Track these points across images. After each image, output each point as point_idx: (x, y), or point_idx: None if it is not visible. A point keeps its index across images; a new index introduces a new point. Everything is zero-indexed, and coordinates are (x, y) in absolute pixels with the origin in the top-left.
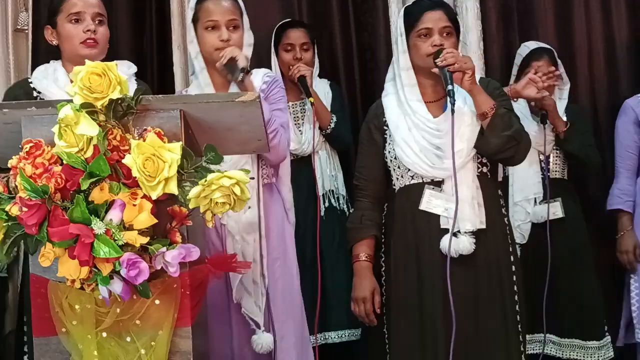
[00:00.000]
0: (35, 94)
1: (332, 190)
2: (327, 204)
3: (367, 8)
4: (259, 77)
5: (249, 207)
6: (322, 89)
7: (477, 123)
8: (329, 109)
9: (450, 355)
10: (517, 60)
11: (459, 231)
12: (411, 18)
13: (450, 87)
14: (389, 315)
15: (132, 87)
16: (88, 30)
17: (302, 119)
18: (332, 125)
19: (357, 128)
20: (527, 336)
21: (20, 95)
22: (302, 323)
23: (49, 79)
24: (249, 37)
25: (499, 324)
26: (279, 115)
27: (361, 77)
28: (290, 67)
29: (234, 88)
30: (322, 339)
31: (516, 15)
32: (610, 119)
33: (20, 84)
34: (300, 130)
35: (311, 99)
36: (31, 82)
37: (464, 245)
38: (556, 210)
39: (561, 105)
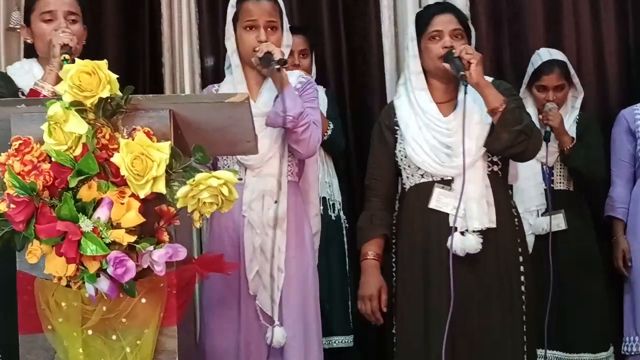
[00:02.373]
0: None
1: (325, 197)
2: (332, 212)
3: (358, 12)
4: (293, 78)
5: (275, 202)
6: (320, 97)
7: (486, 122)
8: (325, 115)
9: (443, 353)
10: (529, 70)
11: (467, 230)
12: (422, 22)
13: (462, 72)
14: (396, 314)
15: None
16: (66, 40)
17: None
18: (329, 132)
19: (346, 133)
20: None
21: (3, 88)
22: (316, 323)
23: (29, 76)
24: (287, 39)
25: (504, 325)
26: (312, 113)
27: (350, 82)
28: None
29: (265, 87)
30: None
31: (506, 20)
32: (599, 125)
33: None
34: None
35: None
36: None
37: (470, 244)
38: (559, 222)
39: (572, 114)
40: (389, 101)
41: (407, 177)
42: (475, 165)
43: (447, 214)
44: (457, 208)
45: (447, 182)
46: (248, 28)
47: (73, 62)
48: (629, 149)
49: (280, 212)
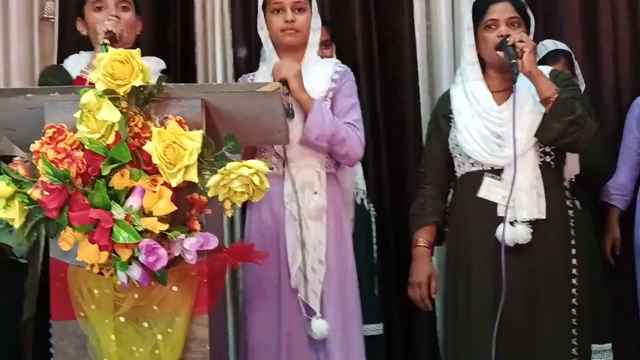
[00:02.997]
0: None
1: (357, 191)
2: (359, 201)
3: (390, 5)
4: (330, 66)
5: (315, 193)
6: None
7: (539, 112)
8: None
9: (493, 346)
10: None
11: (515, 220)
12: (478, 11)
13: (514, 60)
14: (446, 302)
15: None
16: (110, 26)
17: None
18: None
19: (377, 125)
20: None
21: (52, 79)
22: (356, 315)
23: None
24: (316, 22)
25: (551, 317)
26: (352, 112)
27: (382, 74)
28: None
29: (304, 71)
30: None
31: (541, 15)
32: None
33: (53, 73)
34: None
35: None
36: (65, 70)
37: (520, 234)
38: None
39: None
40: (421, 93)
41: (459, 166)
42: (526, 156)
43: (496, 204)
44: (509, 198)
45: (497, 172)
46: (275, 11)
47: (115, 42)
48: (636, 136)
49: (320, 204)
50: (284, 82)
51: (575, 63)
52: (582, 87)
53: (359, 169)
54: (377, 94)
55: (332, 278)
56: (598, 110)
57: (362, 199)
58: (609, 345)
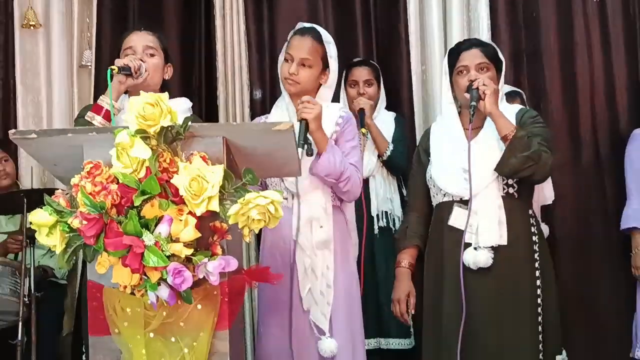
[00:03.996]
0: None
1: (386, 212)
2: (380, 224)
3: (391, 52)
4: (335, 110)
5: (321, 227)
6: (387, 119)
7: (501, 149)
8: (390, 139)
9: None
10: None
11: (479, 245)
12: (452, 58)
13: (473, 102)
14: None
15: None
16: (128, 61)
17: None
18: (388, 152)
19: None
20: None
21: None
22: (360, 331)
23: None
24: (331, 79)
25: (519, 333)
26: (353, 154)
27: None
28: (354, 100)
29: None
30: (382, 344)
31: (525, 58)
32: (611, 151)
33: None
34: None
35: (363, 130)
36: None
37: (481, 258)
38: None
39: None
40: (417, 131)
41: (434, 196)
42: (489, 187)
43: (461, 231)
44: (466, 224)
45: (465, 202)
46: (286, 60)
47: (129, 75)
48: None
49: (326, 236)
50: (305, 121)
51: (526, 101)
52: None
53: (395, 196)
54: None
55: (339, 299)
56: (575, 144)
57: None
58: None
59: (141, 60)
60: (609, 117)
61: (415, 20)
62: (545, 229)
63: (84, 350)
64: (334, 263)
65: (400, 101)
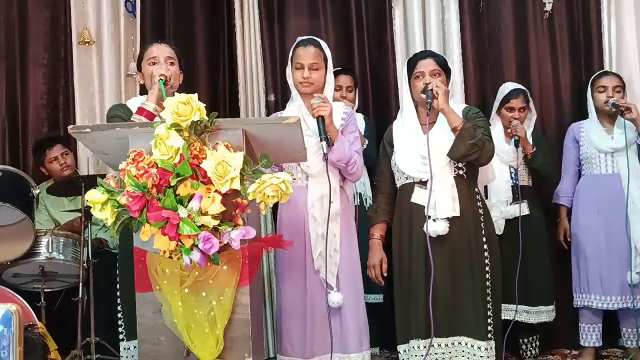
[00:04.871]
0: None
1: (360, 193)
2: (356, 202)
3: (382, 61)
4: (339, 108)
5: (332, 202)
6: (360, 119)
7: (451, 139)
8: (362, 134)
9: (431, 311)
10: (499, 96)
11: (437, 217)
12: (410, 66)
13: (429, 100)
14: (395, 277)
15: None
16: (163, 72)
17: None
18: (364, 146)
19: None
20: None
21: (121, 113)
22: (361, 287)
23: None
24: (330, 78)
25: (469, 291)
26: (356, 143)
27: (376, 112)
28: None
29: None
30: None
31: (488, 67)
32: (557, 140)
33: (119, 107)
34: None
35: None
36: (128, 108)
37: (439, 227)
38: (524, 209)
39: (529, 131)
40: None
41: (398, 179)
42: (444, 170)
43: (423, 206)
44: (429, 200)
45: (424, 183)
46: (297, 68)
47: (166, 82)
48: (574, 153)
49: (335, 209)
50: (322, 118)
51: (530, 99)
52: (534, 117)
53: (367, 181)
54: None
55: (344, 261)
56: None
57: (370, 203)
58: (552, 306)
59: (167, 70)
60: (556, 114)
61: (400, 36)
62: (524, 207)
63: (118, 302)
64: (340, 231)
65: (387, 102)
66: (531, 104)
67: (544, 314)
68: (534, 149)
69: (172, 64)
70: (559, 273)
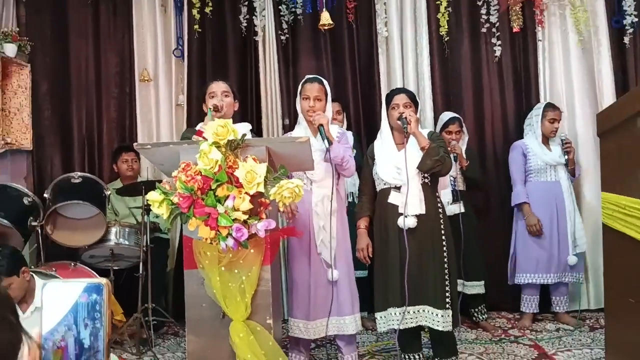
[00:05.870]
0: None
1: (352, 192)
2: (349, 199)
3: (370, 93)
4: (335, 129)
5: (331, 201)
6: (348, 135)
7: (419, 155)
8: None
9: (406, 286)
10: (439, 123)
11: (408, 214)
12: (388, 99)
13: (405, 126)
14: (374, 260)
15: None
16: (216, 102)
17: None
18: (352, 155)
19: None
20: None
21: (189, 134)
22: (351, 265)
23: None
24: (329, 107)
25: (432, 267)
26: (348, 151)
27: (367, 130)
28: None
29: (319, 135)
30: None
31: (451, 97)
32: (503, 154)
33: (191, 130)
34: None
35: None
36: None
37: (410, 222)
38: (461, 207)
39: (463, 147)
40: None
41: (378, 185)
42: (414, 179)
43: (397, 206)
44: (405, 203)
45: (398, 188)
46: (304, 99)
47: (217, 111)
48: (522, 164)
49: (334, 207)
50: (322, 125)
51: (463, 124)
52: (466, 138)
53: (356, 181)
54: (363, 140)
55: (340, 246)
56: (482, 148)
57: (354, 198)
58: (483, 281)
59: (222, 101)
60: (503, 134)
61: (384, 74)
62: (461, 206)
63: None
64: (337, 223)
65: (374, 123)
66: (464, 128)
67: (477, 287)
68: (468, 162)
69: (226, 96)
70: (499, 256)
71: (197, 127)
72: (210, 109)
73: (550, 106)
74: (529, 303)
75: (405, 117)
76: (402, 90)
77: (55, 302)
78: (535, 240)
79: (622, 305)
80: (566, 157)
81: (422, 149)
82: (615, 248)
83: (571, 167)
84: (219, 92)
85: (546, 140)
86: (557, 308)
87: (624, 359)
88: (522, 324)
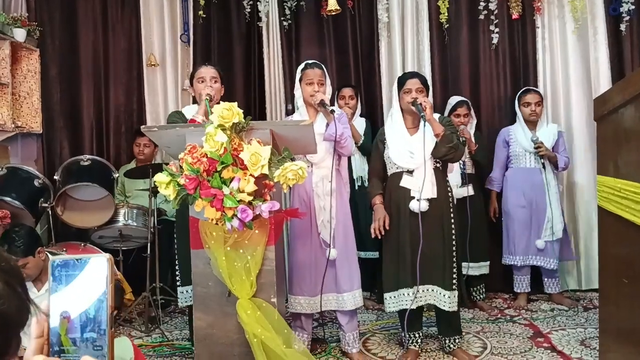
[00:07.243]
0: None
1: (361, 176)
2: (358, 183)
3: (371, 79)
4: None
5: (330, 181)
6: (361, 121)
7: (433, 141)
8: (362, 132)
9: (418, 265)
10: (448, 107)
11: (420, 198)
12: (400, 83)
13: (422, 113)
14: (385, 242)
15: None
16: (207, 90)
17: None
18: (361, 141)
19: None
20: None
21: (177, 118)
22: (353, 246)
23: (193, 112)
24: (329, 90)
25: (442, 250)
26: (346, 131)
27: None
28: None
29: (319, 118)
30: (361, 255)
31: (450, 84)
32: (486, 139)
33: (176, 113)
34: None
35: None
36: (183, 113)
37: (423, 206)
38: (470, 190)
39: (471, 132)
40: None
41: (390, 168)
42: (427, 164)
43: (410, 190)
44: (422, 186)
45: (410, 172)
46: (307, 84)
47: (211, 100)
48: (503, 151)
49: (333, 187)
50: (323, 102)
51: (471, 108)
52: (474, 121)
53: (365, 167)
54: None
55: (339, 226)
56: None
57: (363, 182)
58: (488, 262)
59: (211, 86)
60: (498, 117)
61: (385, 60)
62: (470, 189)
63: (176, 257)
64: (336, 204)
65: (375, 110)
66: (472, 112)
67: (483, 267)
68: (477, 146)
69: (215, 81)
70: (496, 238)
71: (183, 110)
72: (206, 99)
73: (525, 91)
74: (520, 283)
75: (420, 104)
76: (415, 74)
77: None
78: (516, 224)
79: (616, 286)
80: (542, 161)
81: (436, 135)
82: (610, 230)
83: (553, 161)
84: (207, 77)
85: (533, 125)
86: (549, 289)
87: (617, 338)
88: (518, 304)
